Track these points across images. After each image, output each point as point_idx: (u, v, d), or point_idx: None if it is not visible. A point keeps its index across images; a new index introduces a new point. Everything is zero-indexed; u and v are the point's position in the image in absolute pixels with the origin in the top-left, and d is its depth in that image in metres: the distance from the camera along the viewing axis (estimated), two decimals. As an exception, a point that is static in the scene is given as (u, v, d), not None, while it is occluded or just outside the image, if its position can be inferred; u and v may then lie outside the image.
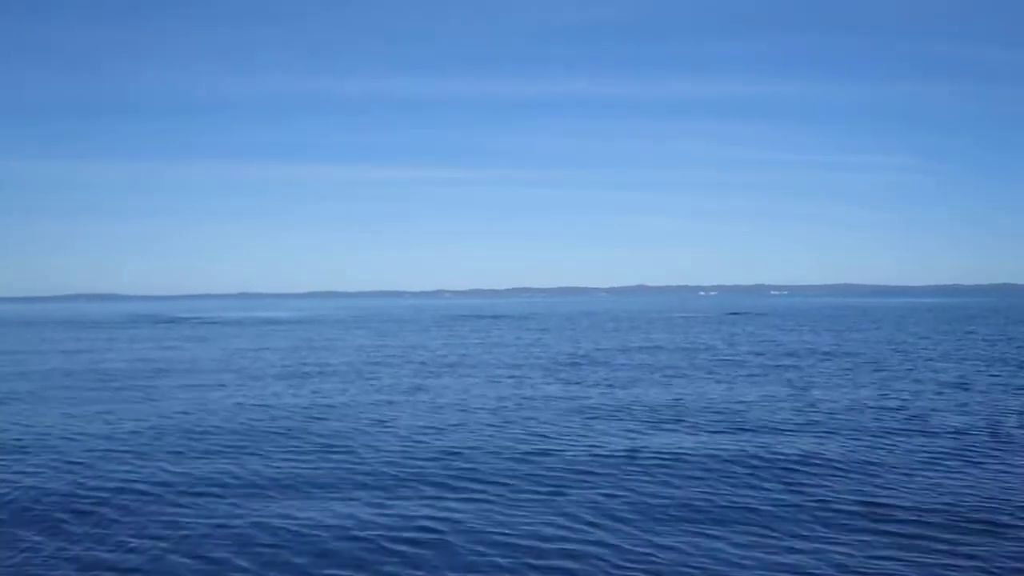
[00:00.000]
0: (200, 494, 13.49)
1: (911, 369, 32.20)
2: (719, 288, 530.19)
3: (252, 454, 16.69)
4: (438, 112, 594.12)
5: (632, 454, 16.30)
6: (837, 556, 10.31)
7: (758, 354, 40.50)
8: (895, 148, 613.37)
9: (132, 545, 11.02)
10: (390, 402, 24.32)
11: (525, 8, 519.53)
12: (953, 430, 18.51)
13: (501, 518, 12.01)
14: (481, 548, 10.77)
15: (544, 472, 14.85)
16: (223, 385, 29.05)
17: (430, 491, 13.56)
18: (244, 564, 10.33)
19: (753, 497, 12.98)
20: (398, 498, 13.18)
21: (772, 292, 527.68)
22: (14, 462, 16.07)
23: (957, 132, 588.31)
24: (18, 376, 33.21)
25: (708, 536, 11.15)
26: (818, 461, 15.44)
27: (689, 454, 16.24)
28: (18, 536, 11.51)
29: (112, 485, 14.11)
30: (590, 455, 16.28)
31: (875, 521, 11.68)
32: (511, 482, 14.12)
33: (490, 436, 18.52)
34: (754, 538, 11.04)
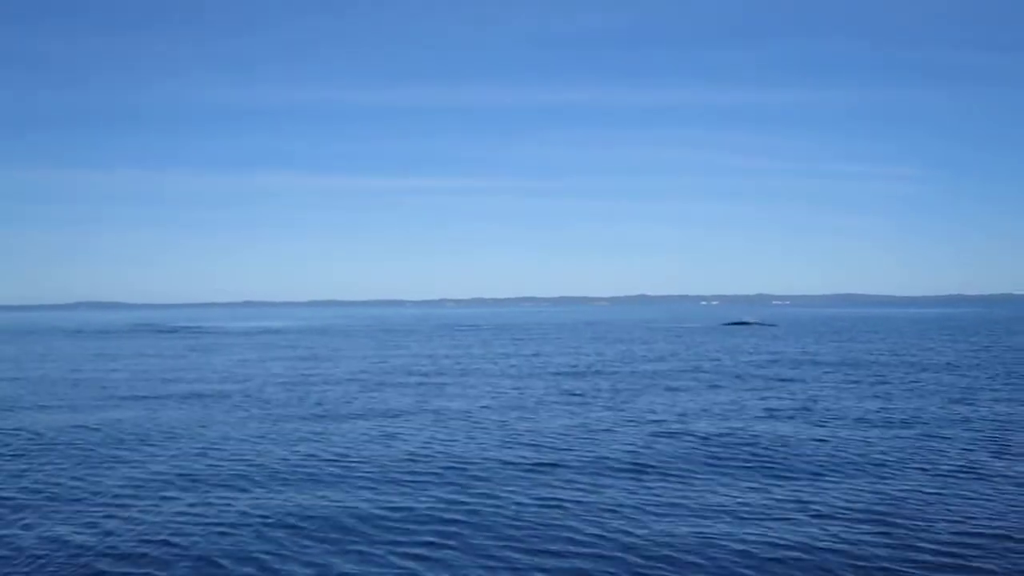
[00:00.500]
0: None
1: (915, 382, 32.28)
2: (721, 298, 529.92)
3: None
4: (440, 121, 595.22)
5: (640, 468, 16.40)
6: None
7: (761, 365, 40.55)
8: (897, 156, 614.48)
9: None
10: (398, 415, 24.41)
11: (525, 17, 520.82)
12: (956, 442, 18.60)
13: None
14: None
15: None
16: (227, 397, 29.11)
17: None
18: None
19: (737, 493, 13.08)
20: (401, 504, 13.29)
21: (774, 302, 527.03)
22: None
23: (959, 139, 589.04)
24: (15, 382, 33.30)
25: (714, 542, 11.24)
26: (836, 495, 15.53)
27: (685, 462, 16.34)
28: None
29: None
30: (599, 467, 16.38)
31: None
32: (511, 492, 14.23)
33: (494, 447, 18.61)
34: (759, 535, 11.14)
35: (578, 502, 13.74)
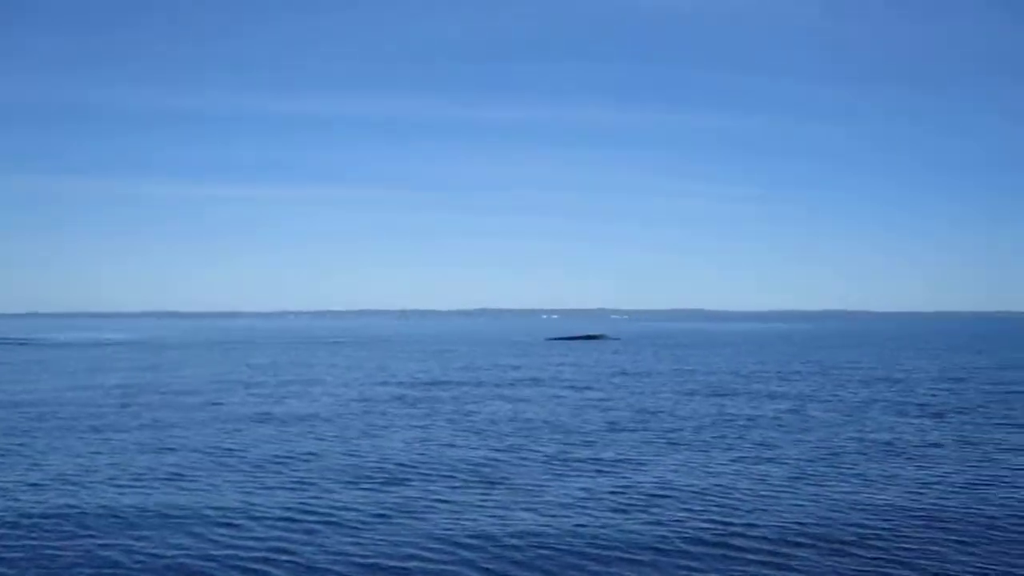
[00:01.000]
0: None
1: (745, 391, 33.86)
2: (561, 312, 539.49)
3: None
4: (282, 129, 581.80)
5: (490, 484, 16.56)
6: None
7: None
8: (730, 176, 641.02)
9: None
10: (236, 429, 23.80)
11: (380, 27, 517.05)
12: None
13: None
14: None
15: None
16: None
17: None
18: None
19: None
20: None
21: (613, 316, 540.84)
22: None
23: (788, 163, 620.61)
24: None
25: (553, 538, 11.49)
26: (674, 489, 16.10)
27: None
28: None
29: None
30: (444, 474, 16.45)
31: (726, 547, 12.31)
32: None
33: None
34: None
35: (415, 511, 13.77)
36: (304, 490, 15.71)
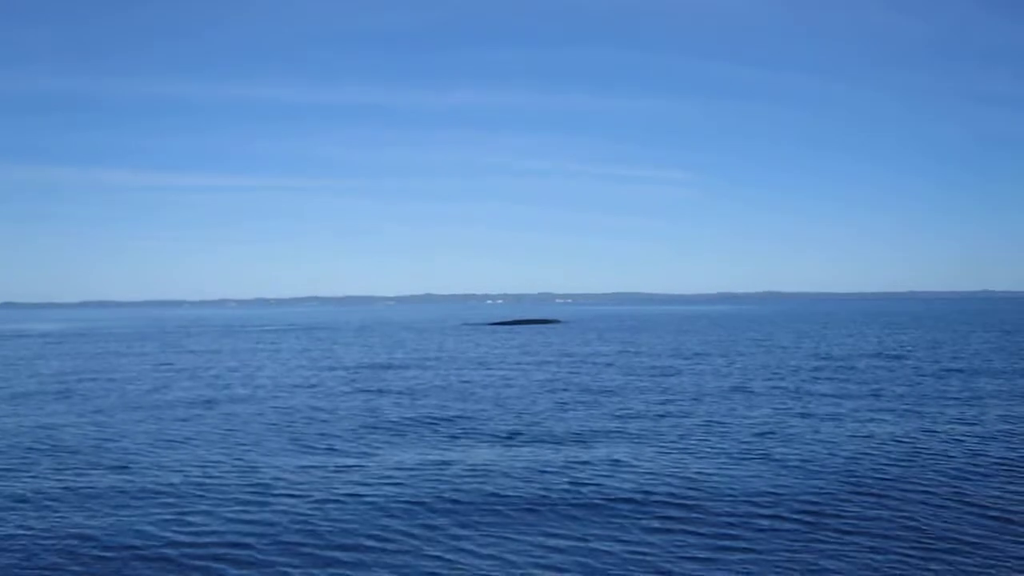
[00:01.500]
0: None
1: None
2: (505, 296, 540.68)
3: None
4: (221, 116, 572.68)
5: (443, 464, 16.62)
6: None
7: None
8: (667, 160, 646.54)
9: None
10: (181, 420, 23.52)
11: (321, 14, 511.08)
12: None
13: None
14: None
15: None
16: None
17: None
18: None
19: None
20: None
21: (557, 300, 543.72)
22: None
23: (719, 147, 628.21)
24: None
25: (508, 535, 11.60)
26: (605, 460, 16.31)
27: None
28: None
29: None
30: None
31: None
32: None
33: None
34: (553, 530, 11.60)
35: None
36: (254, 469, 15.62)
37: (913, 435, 18.83)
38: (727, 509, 12.80)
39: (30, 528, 12.26)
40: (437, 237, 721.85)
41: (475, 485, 14.47)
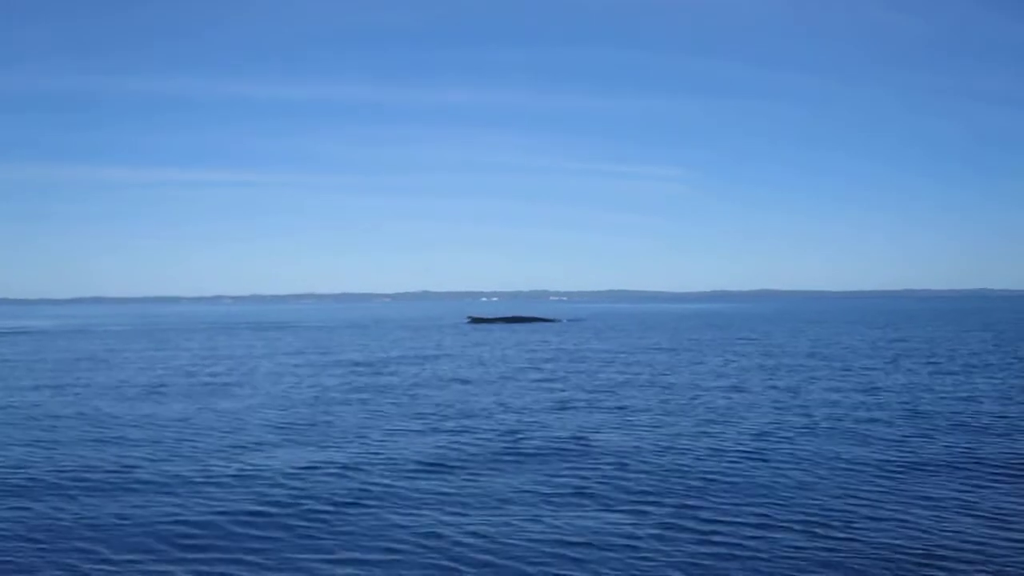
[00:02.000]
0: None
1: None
2: (500, 294, 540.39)
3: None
4: (212, 113, 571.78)
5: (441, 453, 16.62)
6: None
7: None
8: (663, 158, 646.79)
9: None
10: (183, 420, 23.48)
11: (318, 12, 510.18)
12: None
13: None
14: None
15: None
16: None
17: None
18: None
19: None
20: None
21: (551, 297, 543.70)
22: None
23: (716, 145, 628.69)
24: None
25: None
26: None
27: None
28: None
29: None
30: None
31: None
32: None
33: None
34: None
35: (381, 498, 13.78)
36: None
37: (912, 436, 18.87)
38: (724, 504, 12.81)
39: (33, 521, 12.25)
40: (434, 234, 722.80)
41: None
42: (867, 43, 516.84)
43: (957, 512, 12.64)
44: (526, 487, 14.38)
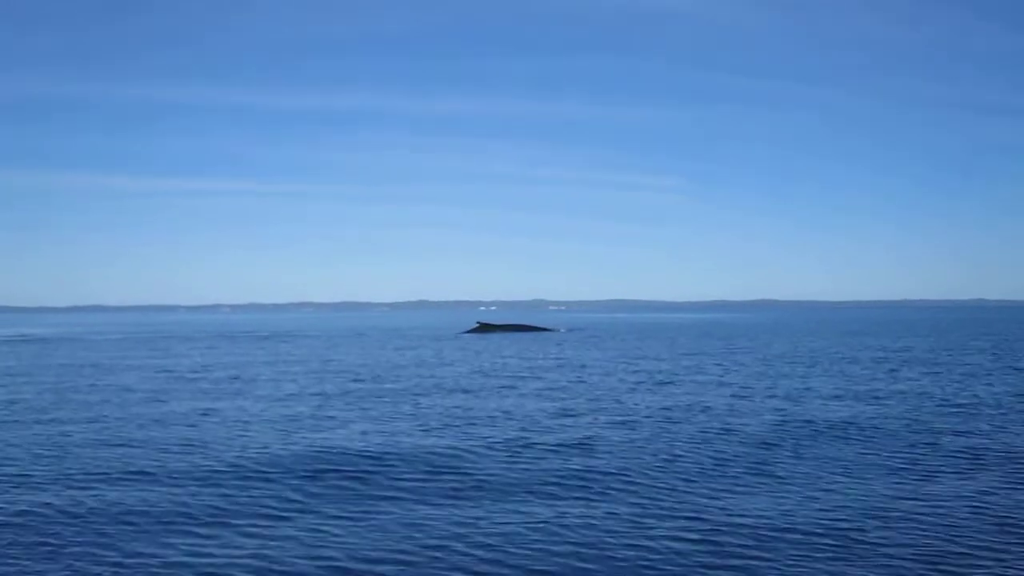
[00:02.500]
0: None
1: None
2: (499, 303, 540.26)
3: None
4: (210, 121, 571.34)
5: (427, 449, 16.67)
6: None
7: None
8: (661, 168, 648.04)
9: None
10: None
11: (317, 21, 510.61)
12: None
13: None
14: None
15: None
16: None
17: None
18: None
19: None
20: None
21: (550, 307, 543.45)
22: None
23: (715, 155, 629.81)
24: None
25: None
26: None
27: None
28: None
29: None
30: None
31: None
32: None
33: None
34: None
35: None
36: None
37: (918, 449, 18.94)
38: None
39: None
40: (432, 244, 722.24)
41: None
42: (866, 53, 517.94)
43: (967, 516, 12.75)
44: (528, 489, 14.46)
